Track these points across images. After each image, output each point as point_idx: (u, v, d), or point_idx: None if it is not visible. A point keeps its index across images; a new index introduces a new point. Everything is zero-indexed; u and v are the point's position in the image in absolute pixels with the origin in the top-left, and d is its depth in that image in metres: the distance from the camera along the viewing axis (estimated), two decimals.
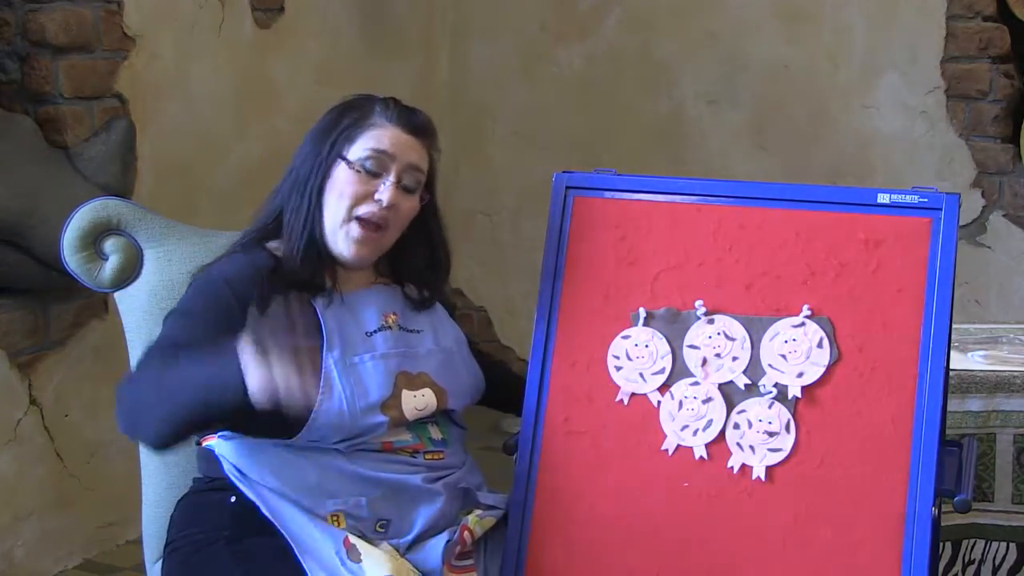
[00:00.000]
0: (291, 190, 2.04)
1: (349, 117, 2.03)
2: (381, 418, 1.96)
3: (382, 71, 4.25)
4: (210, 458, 2.03)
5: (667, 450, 2.03)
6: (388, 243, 2.05)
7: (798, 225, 2.05)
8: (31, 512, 3.20)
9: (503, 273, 4.52)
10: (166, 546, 2.05)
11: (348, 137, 2.01)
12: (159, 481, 2.18)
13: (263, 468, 1.96)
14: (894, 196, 2.01)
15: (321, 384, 1.92)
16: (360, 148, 2.00)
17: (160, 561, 2.15)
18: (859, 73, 3.96)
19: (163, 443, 1.89)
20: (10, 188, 3.01)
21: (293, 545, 1.91)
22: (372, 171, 2.00)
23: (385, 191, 1.99)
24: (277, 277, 1.99)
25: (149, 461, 2.19)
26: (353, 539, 1.91)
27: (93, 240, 2.17)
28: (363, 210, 2.00)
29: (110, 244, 2.17)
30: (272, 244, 2.06)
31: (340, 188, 2.00)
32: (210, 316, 1.95)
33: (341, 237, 2.01)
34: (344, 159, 2.00)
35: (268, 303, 1.94)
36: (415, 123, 2.05)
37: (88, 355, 3.31)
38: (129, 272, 2.18)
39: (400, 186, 2.01)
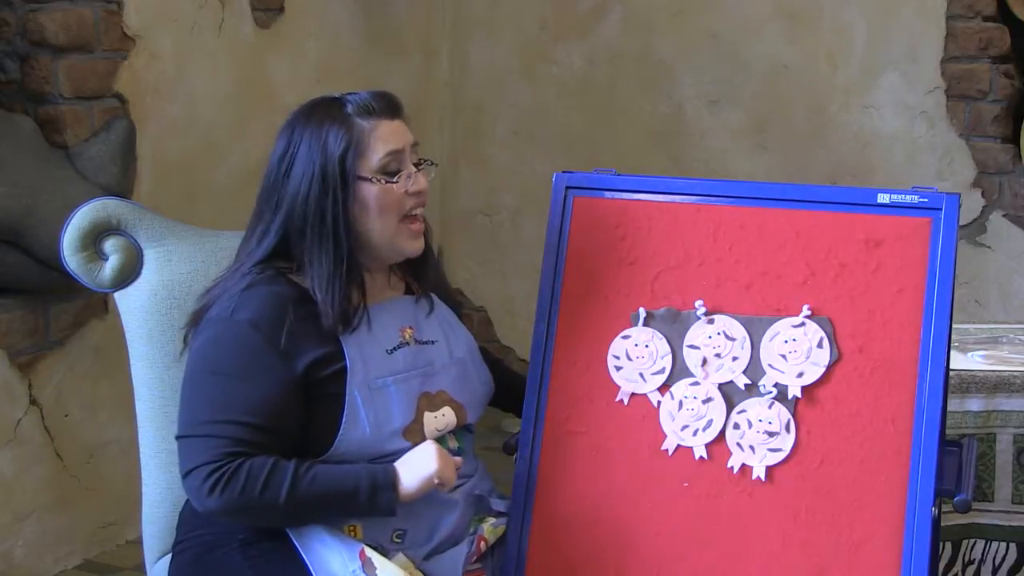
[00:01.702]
0: (306, 236, 1.95)
1: (335, 135, 1.94)
2: (404, 444, 1.96)
3: (382, 71, 4.25)
4: None
5: (667, 450, 2.03)
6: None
7: (798, 225, 2.05)
8: (31, 512, 3.20)
9: (503, 273, 4.52)
10: (175, 544, 2.05)
11: (356, 154, 1.94)
12: (159, 481, 2.18)
13: None
14: (894, 196, 2.01)
15: (345, 412, 1.93)
16: (373, 159, 1.95)
17: (160, 561, 2.15)
18: (859, 73, 3.96)
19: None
20: (10, 188, 3.01)
21: (305, 556, 1.91)
22: (392, 172, 1.97)
23: (415, 181, 1.98)
24: (302, 308, 1.94)
25: (149, 461, 2.19)
26: (369, 552, 1.91)
27: (93, 240, 2.17)
28: (409, 206, 1.98)
29: (110, 244, 2.17)
30: (292, 275, 1.99)
31: (379, 204, 1.95)
32: (244, 365, 1.91)
33: (401, 242, 1.99)
34: (363, 179, 1.95)
35: (296, 337, 1.92)
36: (394, 106, 2.00)
37: (88, 355, 3.31)
38: (129, 272, 2.18)
39: (418, 168, 2.00)
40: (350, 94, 2.00)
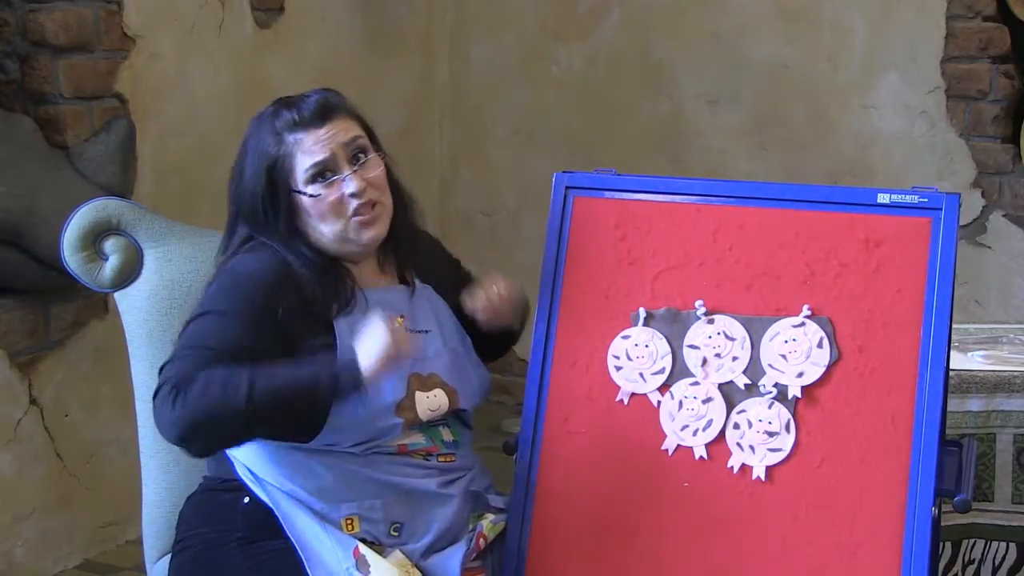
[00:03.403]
0: (266, 237, 2.01)
1: (270, 151, 1.99)
2: (396, 420, 1.97)
3: (382, 71, 4.25)
4: (221, 458, 2.02)
5: (667, 450, 2.03)
6: (388, 209, 2.05)
7: (798, 225, 2.05)
8: (31, 512, 3.20)
9: (503, 273, 4.50)
10: (176, 543, 2.06)
11: (285, 170, 1.99)
12: (159, 481, 2.18)
13: (278, 470, 1.97)
14: (894, 196, 2.01)
15: None
16: (300, 173, 1.99)
17: (160, 561, 2.15)
18: (859, 73, 3.96)
19: (223, 448, 1.96)
20: (10, 188, 3.01)
21: (301, 553, 1.91)
22: (326, 180, 1.99)
23: (350, 183, 1.99)
24: (295, 280, 1.98)
25: (149, 461, 2.19)
26: (363, 549, 1.91)
27: (93, 240, 2.17)
28: (353, 206, 2.00)
29: (110, 244, 2.17)
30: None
31: (317, 213, 1.99)
32: (242, 313, 1.93)
33: (350, 237, 2.01)
34: (297, 192, 1.99)
35: (289, 307, 1.95)
36: (318, 112, 2.01)
37: (88, 355, 3.31)
38: (129, 272, 2.18)
39: (356, 167, 2.00)
40: (285, 103, 2.03)
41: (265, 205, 2.00)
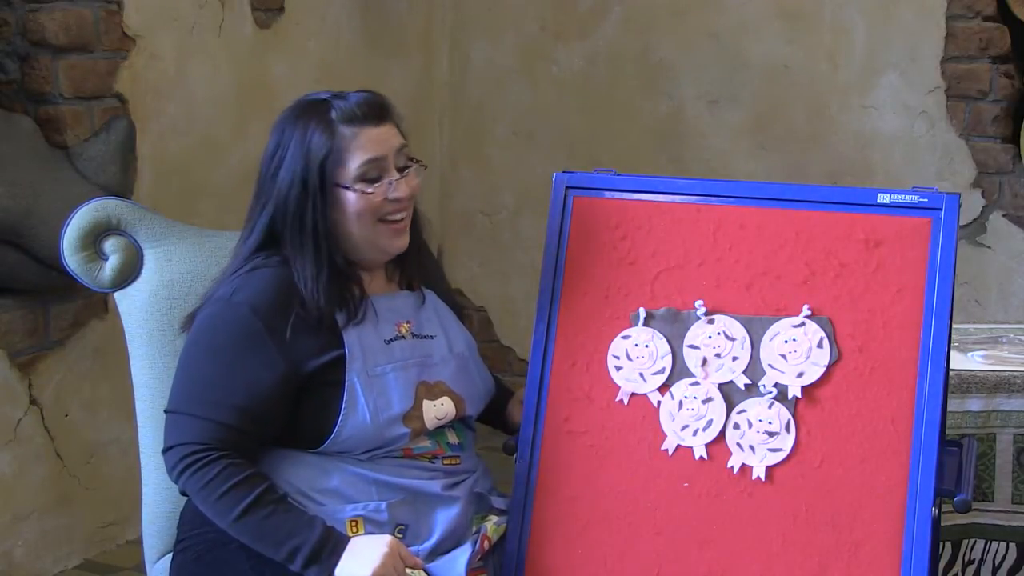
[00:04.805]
0: (290, 232, 1.98)
1: (317, 141, 1.96)
2: (403, 430, 1.97)
3: (382, 71, 4.25)
4: None
5: (667, 450, 2.03)
6: (411, 219, 2.06)
7: (798, 225, 2.05)
8: (31, 512, 3.20)
9: (503, 273, 4.52)
10: (177, 543, 2.06)
11: (336, 162, 1.96)
12: (159, 481, 2.17)
13: (282, 470, 1.97)
14: (894, 196, 2.01)
15: (345, 398, 1.94)
16: (352, 167, 1.96)
17: (160, 561, 2.15)
18: (859, 73, 3.96)
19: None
20: (10, 188, 3.01)
21: None
22: (373, 179, 1.98)
23: (396, 188, 1.98)
24: (301, 298, 1.97)
25: (149, 461, 2.19)
26: None
27: (93, 240, 2.17)
28: (387, 211, 1.99)
29: (110, 244, 2.17)
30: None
31: (356, 210, 1.97)
32: (240, 349, 1.93)
33: (378, 241, 2.00)
34: (342, 187, 1.97)
35: (295, 325, 1.94)
36: (378, 111, 2.00)
37: (88, 355, 3.31)
38: (129, 272, 2.18)
39: (404, 175, 2.00)
40: (337, 97, 2.00)
41: (302, 197, 1.96)
